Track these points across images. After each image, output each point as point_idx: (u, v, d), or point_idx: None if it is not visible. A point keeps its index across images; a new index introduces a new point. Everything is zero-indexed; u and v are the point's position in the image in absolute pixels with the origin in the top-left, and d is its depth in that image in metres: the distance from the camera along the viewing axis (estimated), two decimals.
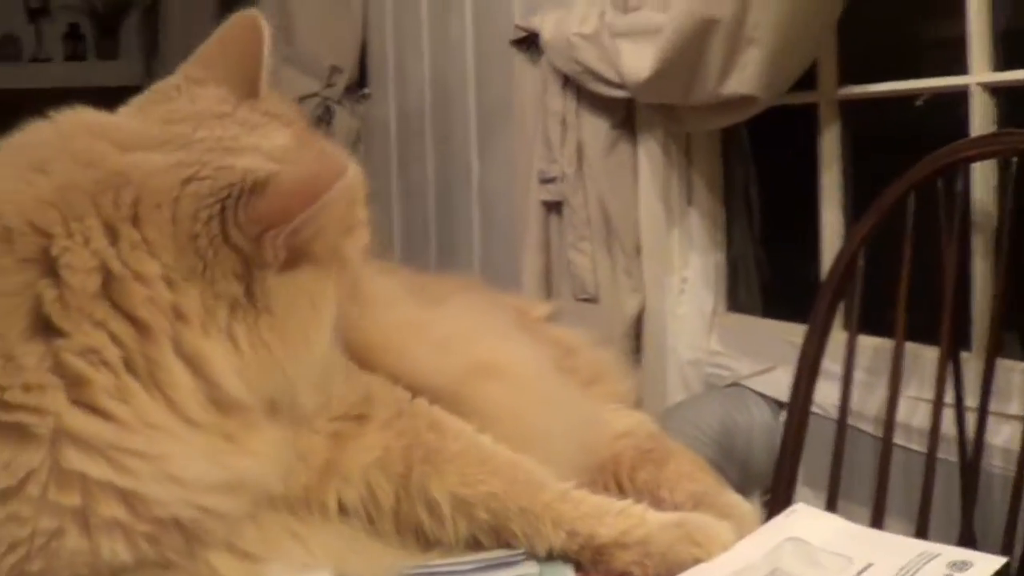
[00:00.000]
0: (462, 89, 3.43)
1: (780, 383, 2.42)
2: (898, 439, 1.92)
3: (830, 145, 2.34)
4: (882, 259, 1.93)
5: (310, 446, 0.98)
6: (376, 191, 3.46)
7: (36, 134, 0.93)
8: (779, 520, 1.02)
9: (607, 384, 1.38)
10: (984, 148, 1.87)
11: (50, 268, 0.84)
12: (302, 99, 4.07)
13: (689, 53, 2.15)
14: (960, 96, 2.08)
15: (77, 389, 0.84)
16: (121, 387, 0.85)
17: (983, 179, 2.02)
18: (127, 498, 0.84)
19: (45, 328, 0.84)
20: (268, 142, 0.94)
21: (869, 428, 2.16)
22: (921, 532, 1.79)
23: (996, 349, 1.82)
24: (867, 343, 2.08)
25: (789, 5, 2.04)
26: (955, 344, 1.89)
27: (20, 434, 0.82)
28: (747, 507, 1.19)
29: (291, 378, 0.91)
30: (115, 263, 0.84)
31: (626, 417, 1.31)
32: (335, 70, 4.05)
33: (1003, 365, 1.91)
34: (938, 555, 0.91)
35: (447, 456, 1.01)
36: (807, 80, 2.28)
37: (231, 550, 0.92)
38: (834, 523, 1.01)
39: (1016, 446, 1.86)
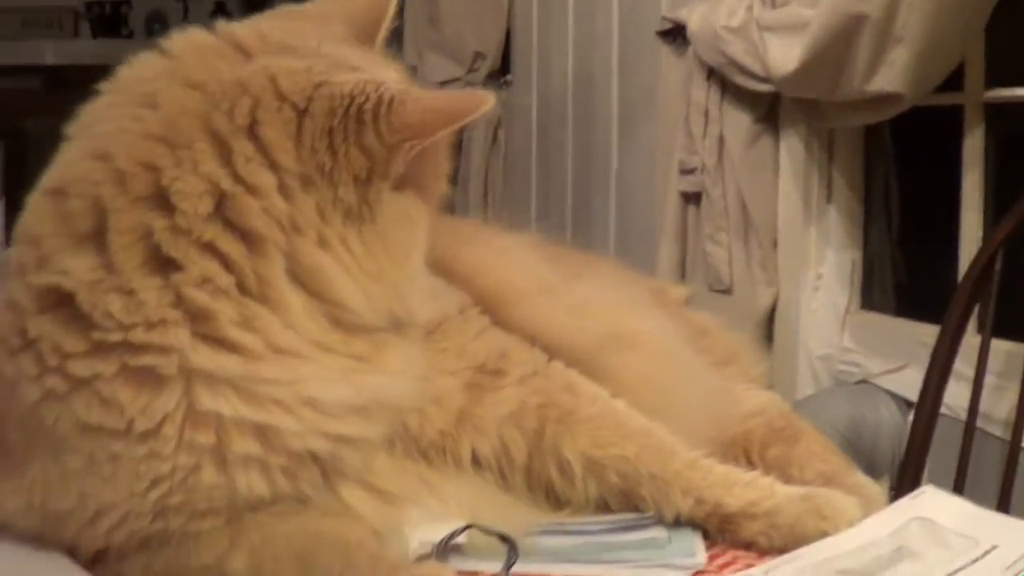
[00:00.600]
0: (605, 78, 3.46)
1: (910, 382, 2.42)
2: None
3: (973, 147, 2.33)
4: (1020, 262, 1.92)
5: (446, 389, 1.00)
6: (515, 176, 3.56)
7: (145, 67, 0.94)
8: (906, 501, 1.04)
9: (740, 366, 1.40)
10: None
11: (163, 201, 0.86)
12: (444, 84, 4.15)
13: (836, 48, 2.16)
14: None
15: (201, 323, 0.85)
16: (244, 315, 0.86)
17: None
18: (262, 432, 0.86)
19: (163, 262, 0.85)
20: (391, 74, 0.97)
21: (997, 431, 2.16)
22: None
23: None
24: (999, 346, 2.07)
25: (938, 5, 2.03)
26: None
27: (152, 377, 0.84)
28: (875, 488, 1.21)
29: (402, 292, 0.93)
30: (227, 182, 0.86)
31: (758, 396, 1.34)
32: (478, 56, 4.11)
33: None
34: None
35: (581, 418, 1.03)
36: (953, 80, 2.27)
37: (366, 487, 0.94)
38: (961, 506, 1.03)
39: None
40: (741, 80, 2.54)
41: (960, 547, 0.95)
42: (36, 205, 0.91)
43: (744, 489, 1.03)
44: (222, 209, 0.86)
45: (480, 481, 1.02)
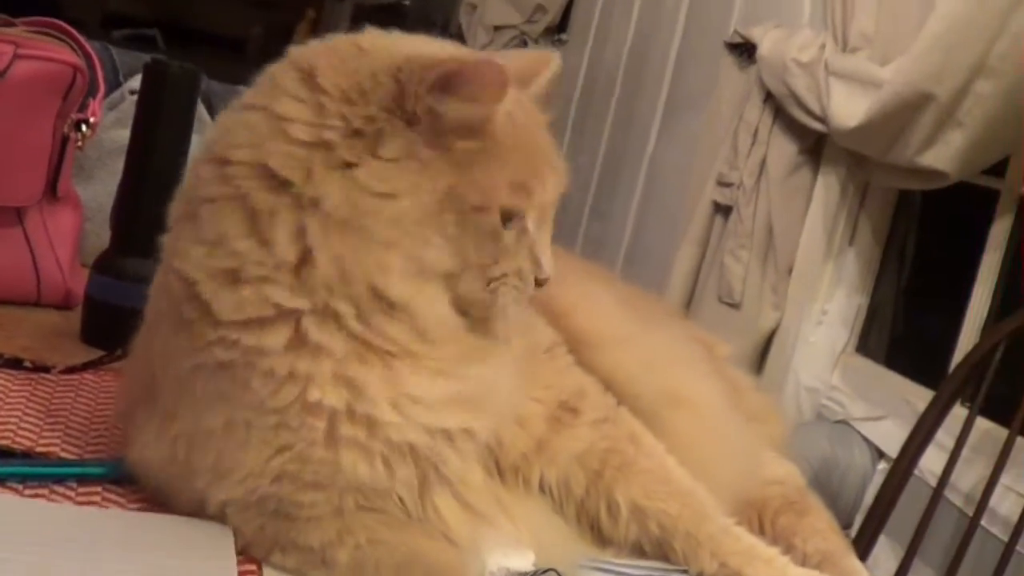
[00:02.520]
0: (660, 63, 3.54)
1: (886, 433, 2.56)
2: (983, 521, 2.05)
3: (1000, 231, 2.44)
4: (1018, 353, 2.05)
5: (532, 414, 1.08)
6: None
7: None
8: None
9: (767, 425, 1.51)
10: None
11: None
12: (499, 28, 4.21)
13: (900, 118, 2.27)
14: None
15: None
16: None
17: None
18: (366, 421, 0.94)
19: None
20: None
21: (957, 501, 2.30)
22: None
23: None
24: (979, 424, 2.20)
25: (1002, 101, 2.15)
26: None
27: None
28: (866, 575, 1.34)
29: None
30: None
31: (781, 466, 1.45)
32: (539, 8, 4.18)
33: None
34: None
35: (637, 469, 1.12)
36: (996, 166, 2.39)
37: (458, 498, 1.02)
38: None
39: None
40: (797, 113, 2.65)
41: None
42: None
43: (763, 565, 1.11)
44: None
45: (543, 505, 1.10)
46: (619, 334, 1.23)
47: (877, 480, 2.55)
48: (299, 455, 0.95)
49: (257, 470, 0.96)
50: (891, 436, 2.54)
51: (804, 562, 1.32)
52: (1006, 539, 2.00)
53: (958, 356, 2.52)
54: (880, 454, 2.58)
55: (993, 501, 2.07)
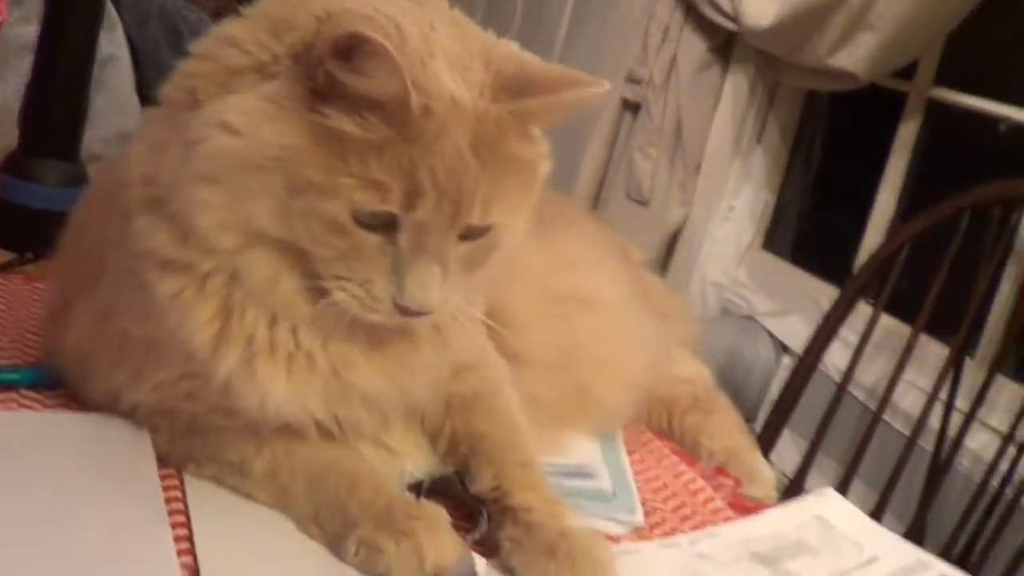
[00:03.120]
0: None
1: (790, 329, 2.62)
2: (885, 415, 2.12)
3: (907, 135, 2.49)
4: (921, 254, 2.10)
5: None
6: None
7: None
8: (810, 499, 1.21)
9: (677, 324, 1.55)
10: None
11: None
12: None
13: (811, 20, 2.29)
14: None
15: None
16: None
17: None
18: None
19: None
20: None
21: (860, 395, 2.37)
22: (880, 506, 2.01)
23: (999, 362, 2.03)
24: (885, 320, 2.26)
25: (913, 4, 2.17)
26: (964, 349, 2.09)
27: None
28: (769, 473, 1.38)
29: None
30: None
31: (690, 366, 1.49)
32: None
33: (998, 380, 2.11)
34: (930, 567, 1.10)
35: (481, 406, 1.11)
36: (905, 69, 2.42)
37: (376, 443, 1.04)
38: (855, 515, 1.18)
39: (987, 455, 2.08)
40: (708, 12, 2.65)
41: (847, 551, 1.12)
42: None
43: (535, 497, 1.02)
44: None
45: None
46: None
47: (781, 375, 2.62)
48: (206, 385, 0.96)
49: (168, 384, 0.98)
50: (795, 331, 2.60)
51: (711, 459, 1.37)
52: (907, 433, 2.07)
53: (863, 255, 2.58)
54: (784, 349, 2.64)
55: (895, 396, 2.13)
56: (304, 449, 1.00)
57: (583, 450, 1.24)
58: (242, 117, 0.85)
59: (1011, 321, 2.07)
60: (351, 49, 0.82)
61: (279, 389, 0.93)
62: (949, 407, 2.09)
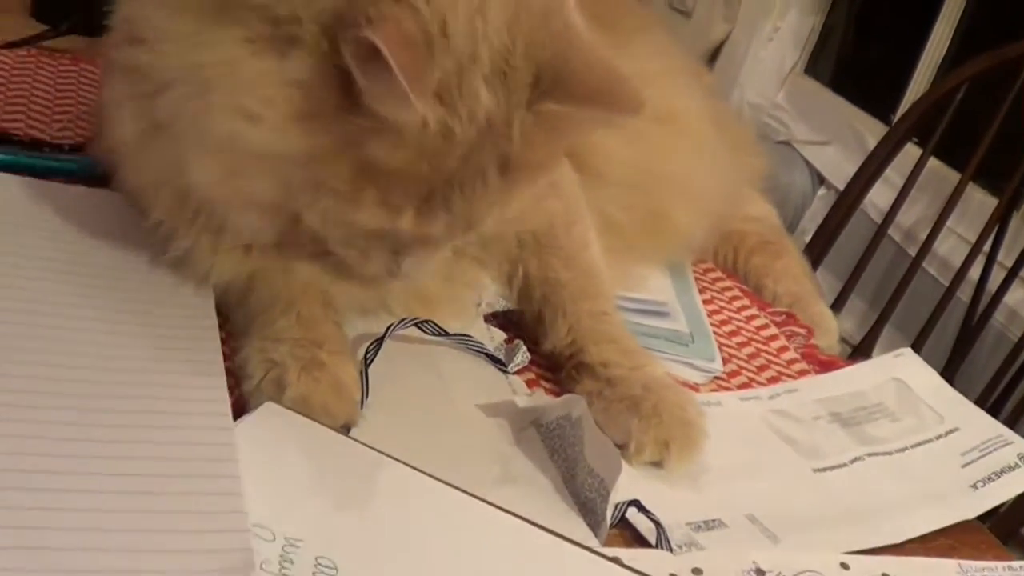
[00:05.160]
0: None
1: (829, 159, 2.54)
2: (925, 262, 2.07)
3: None
4: (979, 97, 2.01)
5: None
6: None
7: None
8: (888, 358, 1.16)
9: (748, 157, 1.48)
10: None
11: None
12: None
13: None
14: None
15: None
16: None
17: None
18: None
19: None
20: None
21: (897, 236, 2.31)
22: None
23: None
24: (932, 163, 2.18)
25: None
26: (1014, 200, 2.03)
27: None
28: (833, 323, 1.33)
29: None
30: None
31: (760, 205, 1.43)
32: None
33: None
34: (1012, 443, 1.05)
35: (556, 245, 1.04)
36: None
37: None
38: (933, 378, 1.14)
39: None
40: None
41: (929, 420, 1.07)
42: None
43: (614, 350, 0.97)
44: None
45: None
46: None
47: (815, 206, 2.55)
48: None
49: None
50: (834, 163, 2.52)
51: (775, 302, 1.32)
52: (944, 281, 2.03)
53: (913, 93, 2.49)
54: (821, 180, 2.57)
55: (937, 244, 2.08)
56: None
57: (657, 286, 1.18)
58: (264, 106, 0.72)
59: None
60: (369, 59, 0.69)
61: None
62: (991, 259, 2.04)
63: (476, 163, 0.77)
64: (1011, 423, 1.81)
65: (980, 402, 1.89)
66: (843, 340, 1.62)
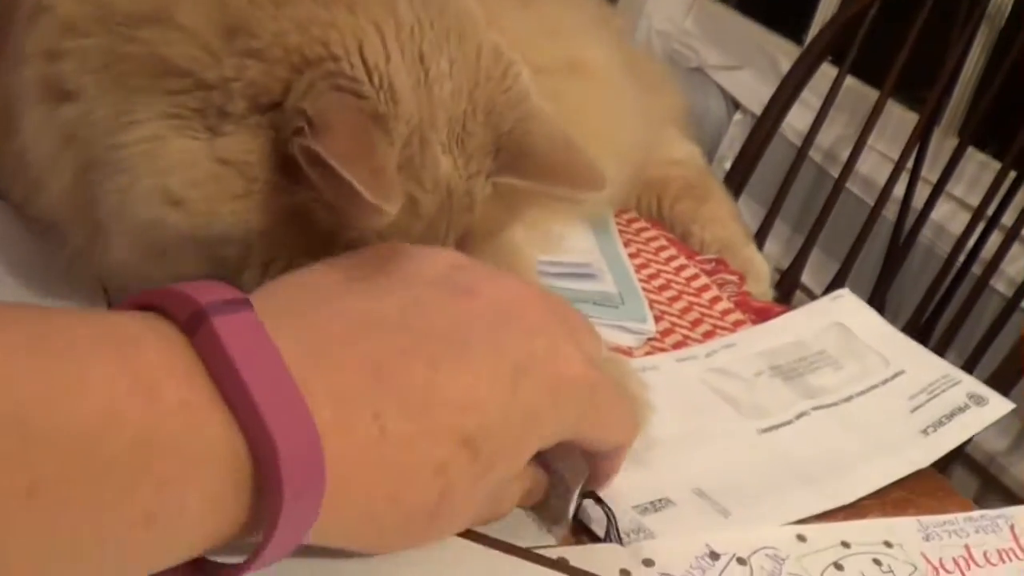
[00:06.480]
0: None
1: (743, 83, 2.50)
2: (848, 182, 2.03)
3: None
4: (894, 16, 1.97)
5: None
6: None
7: None
8: (825, 302, 1.11)
9: (664, 97, 1.42)
10: None
11: None
12: None
13: None
14: None
15: None
16: None
17: None
18: None
19: None
20: None
21: (817, 157, 2.28)
22: (841, 275, 1.94)
23: (968, 135, 1.94)
24: (850, 82, 2.15)
25: None
26: (934, 115, 1.99)
27: None
28: (764, 267, 1.28)
29: None
30: None
31: (683, 147, 1.37)
32: None
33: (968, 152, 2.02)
34: (960, 382, 1.01)
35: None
36: None
37: None
38: (874, 319, 1.10)
39: (952, 227, 2.02)
40: None
41: (873, 365, 1.03)
42: None
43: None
44: None
45: None
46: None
47: (732, 131, 2.51)
48: None
49: None
50: (747, 87, 2.48)
51: (703, 249, 1.27)
52: (869, 201, 1.99)
53: (822, 12, 2.45)
54: (736, 105, 2.52)
55: (859, 163, 2.04)
56: None
57: (580, 246, 1.12)
58: (191, 189, 0.64)
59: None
60: (324, 168, 0.60)
61: None
62: (915, 175, 2.01)
63: (435, 232, 0.71)
64: (944, 342, 1.79)
65: (912, 322, 1.87)
66: (775, 270, 1.57)
